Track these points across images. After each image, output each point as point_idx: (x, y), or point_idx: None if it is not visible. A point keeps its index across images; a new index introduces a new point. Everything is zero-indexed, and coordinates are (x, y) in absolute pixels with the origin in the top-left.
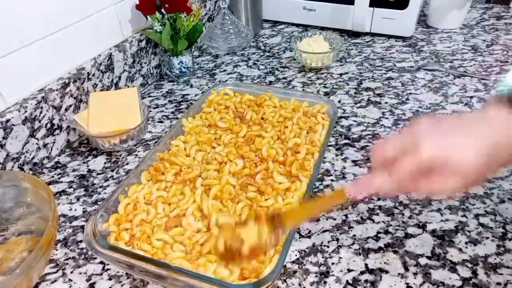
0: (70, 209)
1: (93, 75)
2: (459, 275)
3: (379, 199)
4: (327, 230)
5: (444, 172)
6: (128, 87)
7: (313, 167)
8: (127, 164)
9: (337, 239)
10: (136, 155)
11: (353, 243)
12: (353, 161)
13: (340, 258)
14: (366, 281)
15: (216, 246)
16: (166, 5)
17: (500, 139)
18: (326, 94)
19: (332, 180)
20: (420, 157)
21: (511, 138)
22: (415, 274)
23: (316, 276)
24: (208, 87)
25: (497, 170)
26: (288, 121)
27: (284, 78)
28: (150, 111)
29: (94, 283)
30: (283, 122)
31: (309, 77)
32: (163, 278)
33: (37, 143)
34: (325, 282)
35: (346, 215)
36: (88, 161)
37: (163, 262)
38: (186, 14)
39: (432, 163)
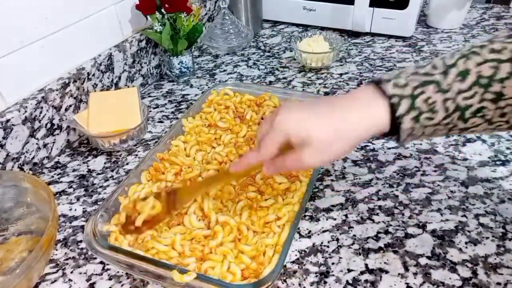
0: (70, 209)
1: (93, 75)
2: (459, 275)
3: (379, 199)
4: (327, 230)
5: (299, 147)
6: (128, 87)
7: (313, 167)
8: (127, 164)
9: (337, 239)
10: (136, 155)
11: (353, 243)
12: (353, 161)
13: (340, 258)
14: (366, 281)
15: (118, 218)
16: (166, 5)
17: (350, 123)
18: (326, 94)
19: (332, 180)
20: (273, 128)
21: (361, 121)
22: (415, 274)
23: (316, 276)
24: (208, 87)
25: (344, 151)
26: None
27: (284, 78)
28: (150, 111)
29: (94, 283)
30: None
31: (309, 77)
32: (163, 278)
33: (37, 143)
34: (325, 282)
35: (346, 215)
36: (88, 161)
37: (163, 262)
38: (186, 14)
39: (286, 135)
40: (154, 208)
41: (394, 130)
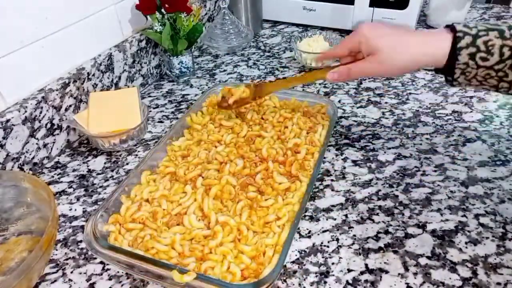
0: (70, 209)
1: (93, 75)
2: (459, 275)
3: (379, 199)
4: (327, 230)
5: (368, 57)
6: (128, 87)
7: (313, 167)
8: (127, 164)
9: (337, 239)
10: (136, 155)
11: (353, 243)
12: (353, 161)
13: (340, 258)
14: (366, 281)
15: (215, 97)
16: (166, 5)
17: (414, 42)
18: (326, 94)
19: (332, 180)
20: (353, 35)
21: (424, 44)
22: (415, 274)
23: (316, 276)
24: (208, 87)
25: (404, 68)
26: (288, 121)
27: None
28: (150, 111)
29: (94, 283)
30: (283, 122)
31: None
32: (163, 278)
33: (37, 143)
34: (325, 282)
35: (346, 215)
36: (88, 161)
37: (163, 262)
38: (186, 14)
39: (359, 40)
40: (244, 93)
41: (448, 66)
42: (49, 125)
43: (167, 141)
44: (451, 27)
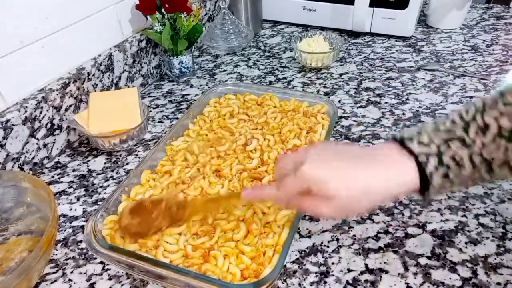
0: (70, 209)
1: (93, 75)
2: (459, 275)
3: None
4: (327, 230)
5: (319, 197)
6: (128, 87)
7: None
8: (127, 164)
9: (337, 239)
10: (136, 155)
11: (353, 243)
12: None
13: (340, 258)
14: (366, 281)
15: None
16: (166, 5)
17: (376, 183)
18: (326, 94)
19: None
20: (296, 178)
21: (388, 183)
22: (415, 274)
23: (316, 276)
24: (208, 87)
25: (365, 209)
26: (288, 121)
27: (284, 78)
28: (150, 111)
29: (94, 283)
30: (283, 123)
31: (309, 77)
32: (163, 278)
33: (37, 143)
34: (325, 282)
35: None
36: (88, 161)
37: (163, 262)
38: (186, 14)
39: (308, 185)
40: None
41: (422, 188)
42: (49, 125)
43: (167, 141)
44: (404, 147)
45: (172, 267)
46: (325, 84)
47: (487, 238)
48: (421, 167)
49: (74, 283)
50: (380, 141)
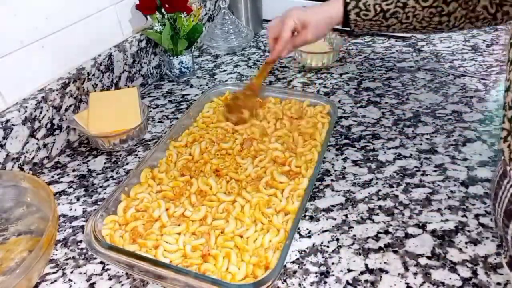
0: (70, 209)
1: (93, 75)
2: (459, 275)
3: (379, 199)
4: (327, 230)
5: (303, 30)
6: (128, 87)
7: (313, 167)
8: (127, 164)
9: (337, 239)
10: (136, 155)
11: (353, 243)
12: (353, 161)
13: (340, 258)
14: (366, 281)
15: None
16: (166, 5)
17: (322, 16)
18: (326, 94)
19: (332, 180)
20: (290, 23)
21: (326, 14)
22: (415, 274)
23: (316, 276)
24: (208, 87)
25: (326, 31)
26: (289, 121)
27: (284, 78)
28: (150, 111)
29: (94, 283)
30: (283, 123)
31: (309, 77)
32: (163, 278)
33: (37, 143)
34: (325, 282)
35: (346, 215)
36: (88, 161)
37: (163, 262)
38: (186, 14)
39: (298, 23)
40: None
41: (345, 22)
42: (49, 125)
43: (167, 141)
44: None
45: (172, 267)
46: (325, 84)
47: (487, 238)
48: (345, 7)
49: (74, 283)
50: (380, 141)
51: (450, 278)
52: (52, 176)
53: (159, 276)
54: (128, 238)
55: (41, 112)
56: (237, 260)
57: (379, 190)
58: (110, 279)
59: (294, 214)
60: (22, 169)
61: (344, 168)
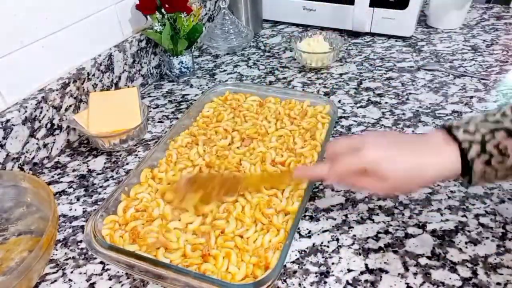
0: (70, 209)
1: (93, 75)
2: (459, 275)
3: (379, 199)
4: (327, 230)
5: (374, 177)
6: (128, 87)
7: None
8: (127, 164)
9: (337, 239)
10: (136, 155)
11: (353, 243)
12: None
13: (340, 258)
14: (366, 281)
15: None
16: (166, 5)
17: (425, 169)
18: (326, 94)
19: None
20: (358, 160)
21: (434, 167)
22: (415, 274)
23: (316, 276)
24: (208, 87)
25: (414, 189)
26: (289, 121)
27: (284, 78)
28: (150, 111)
29: (94, 283)
30: (284, 123)
31: (309, 77)
32: (163, 278)
33: (37, 143)
34: (325, 282)
35: (346, 215)
36: (88, 161)
37: (163, 262)
38: (186, 14)
39: (367, 167)
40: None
41: (465, 173)
42: (49, 125)
43: (167, 141)
44: (450, 134)
45: (172, 267)
46: (325, 84)
47: (487, 238)
48: (463, 153)
49: (74, 283)
50: None
51: (450, 278)
52: (52, 176)
53: (159, 276)
54: (128, 238)
55: (41, 112)
56: (237, 260)
57: None
58: (110, 279)
59: (294, 214)
60: (22, 169)
61: None
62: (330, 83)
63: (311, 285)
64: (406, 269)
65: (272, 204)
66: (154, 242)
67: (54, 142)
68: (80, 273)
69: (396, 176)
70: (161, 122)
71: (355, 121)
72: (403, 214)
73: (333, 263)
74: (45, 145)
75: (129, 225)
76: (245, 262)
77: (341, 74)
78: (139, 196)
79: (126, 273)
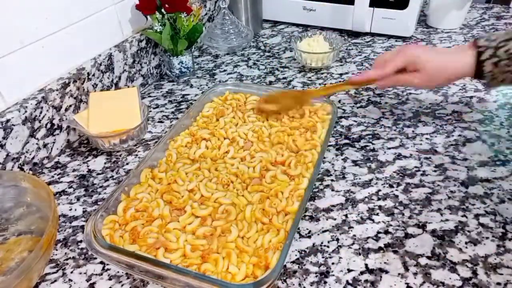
0: (70, 209)
1: (93, 75)
2: (459, 275)
3: (379, 199)
4: (327, 230)
5: (413, 71)
6: (128, 87)
7: (313, 167)
8: (127, 164)
9: (337, 239)
10: (136, 155)
11: (353, 243)
12: (353, 161)
13: (340, 258)
14: (366, 281)
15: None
16: (166, 5)
17: (450, 62)
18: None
19: (332, 180)
20: (403, 55)
21: (456, 63)
22: (415, 274)
23: (316, 276)
24: (208, 87)
25: (442, 84)
26: (289, 121)
27: (284, 78)
28: (150, 111)
29: (94, 283)
30: (284, 122)
31: (309, 77)
32: (163, 278)
33: (37, 143)
34: (325, 282)
35: (346, 215)
36: (88, 161)
37: (163, 262)
38: (186, 14)
39: (409, 60)
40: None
41: (478, 74)
42: (49, 125)
43: (167, 141)
44: (474, 42)
45: (172, 267)
46: (325, 84)
47: (487, 238)
48: (479, 56)
49: (74, 283)
50: (380, 141)
51: (450, 278)
52: (52, 176)
53: (159, 276)
54: (128, 238)
55: (41, 112)
56: (237, 261)
57: (379, 190)
58: (110, 279)
59: (294, 214)
60: (22, 169)
61: (344, 168)
62: (330, 83)
63: (311, 285)
64: (406, 269)
65: (272, 204)
66: (154, 242)
67: (54, 142)
68: (80, 273)
69: (429, 67)
70: (161, 122)
71: (355, 121)
72: (403, 214)
73: (333, 263)
74: (45, 145)
75: (129, 225)
76: (245, 263)
77: (341, 74)
78: (139, 196)
79: (126, 273)
